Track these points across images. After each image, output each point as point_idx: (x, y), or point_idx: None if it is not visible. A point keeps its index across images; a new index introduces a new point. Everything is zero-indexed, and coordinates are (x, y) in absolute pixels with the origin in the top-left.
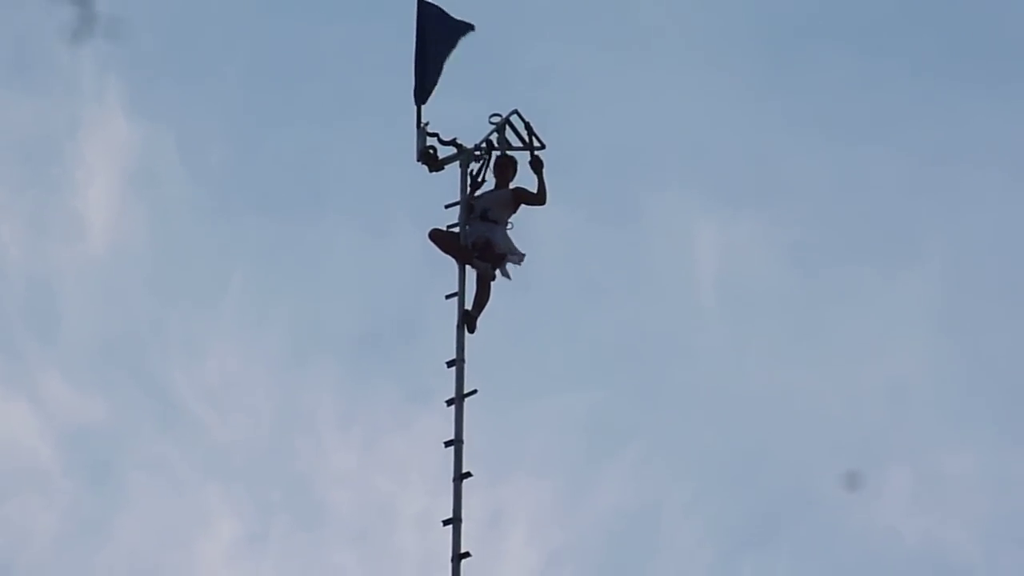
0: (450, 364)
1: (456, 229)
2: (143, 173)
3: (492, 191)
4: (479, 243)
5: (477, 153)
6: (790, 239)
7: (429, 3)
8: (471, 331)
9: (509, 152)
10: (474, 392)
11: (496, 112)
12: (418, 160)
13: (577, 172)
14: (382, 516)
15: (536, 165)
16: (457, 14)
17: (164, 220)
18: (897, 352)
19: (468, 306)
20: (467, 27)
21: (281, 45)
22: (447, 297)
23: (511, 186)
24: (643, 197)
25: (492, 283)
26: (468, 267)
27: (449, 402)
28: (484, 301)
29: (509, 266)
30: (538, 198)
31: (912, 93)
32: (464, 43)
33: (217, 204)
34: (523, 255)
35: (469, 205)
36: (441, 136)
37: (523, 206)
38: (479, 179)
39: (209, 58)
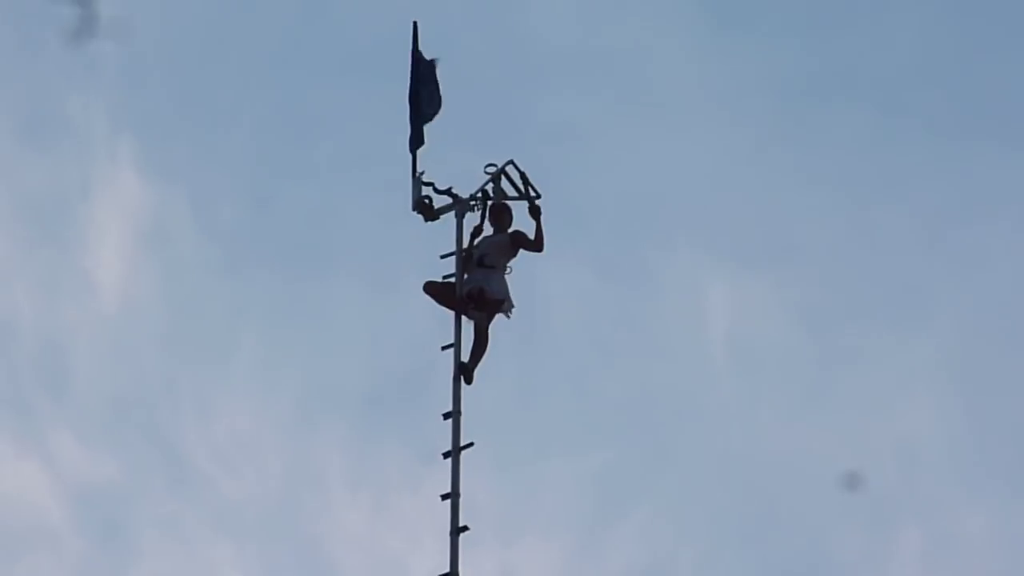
0: (447, 416)
1: (452, 279)
2: (154, 232)
3: (490, 236)
4: (473, 292)
5: (472, 203)
6: (801, 299)
7: (420, 53)
8: (468, 382)
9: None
10: (471, 445)
11: (492, 162)
12: (413, 210)
13: (588, 229)
14: (391, 574)
15: (534, 212)
16: (469, 69)
17: (175, 279)
18: (908, 412)
19: (465, 358)
20: (432, 62)
21: (291, 103)
22: (443, 348)
23: (509, 231)
24: (654, 256)
25: (490, 333)
26: (464, 318)
27: (446, 455)
28: (481, 352)
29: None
30: (536, 244)
31: (924, 152)
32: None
33: (228, 262)
34: (513, 305)
35: (468, 252)
36: (437, 185)
37: (522, 252)
38: (480, 228)
39: (220, 116)
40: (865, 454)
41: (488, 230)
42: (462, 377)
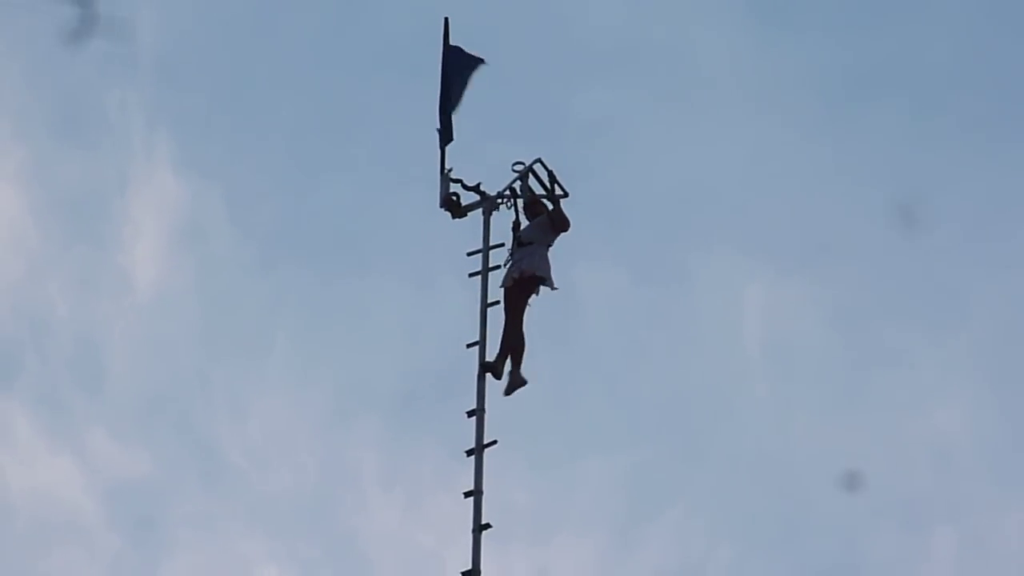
0: (471, 414)
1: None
2: (191, 229)
3: (531, 222)
4: (525, 276)
5: (500, 200)
6: (836, 299)
7: (453, 46)
8: (497, 377)
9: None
10: (494, 443)
11: (520, 160)
12: (441, 206)
13: (623, 228)
14: (424, 572)
15: (554, 202)
16: (509, 63)
17: (211, 275)
18: (944, 413)
19: (491, 356)
20: (479, 61)
21: (327, 100)
22: (468, 346)
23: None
24: (689, 256)
25: (524, 327)
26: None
27: (469, 452)
28: (519, 346)
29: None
30: (563, 220)
31: (963, 151)
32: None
33: (264, 259)
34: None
35: (517, 240)
36: (465, 182)
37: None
38: (517, 223)
39: (256, 113)
40: (900, 454)
41: (524, 223)
42: (491, 373)
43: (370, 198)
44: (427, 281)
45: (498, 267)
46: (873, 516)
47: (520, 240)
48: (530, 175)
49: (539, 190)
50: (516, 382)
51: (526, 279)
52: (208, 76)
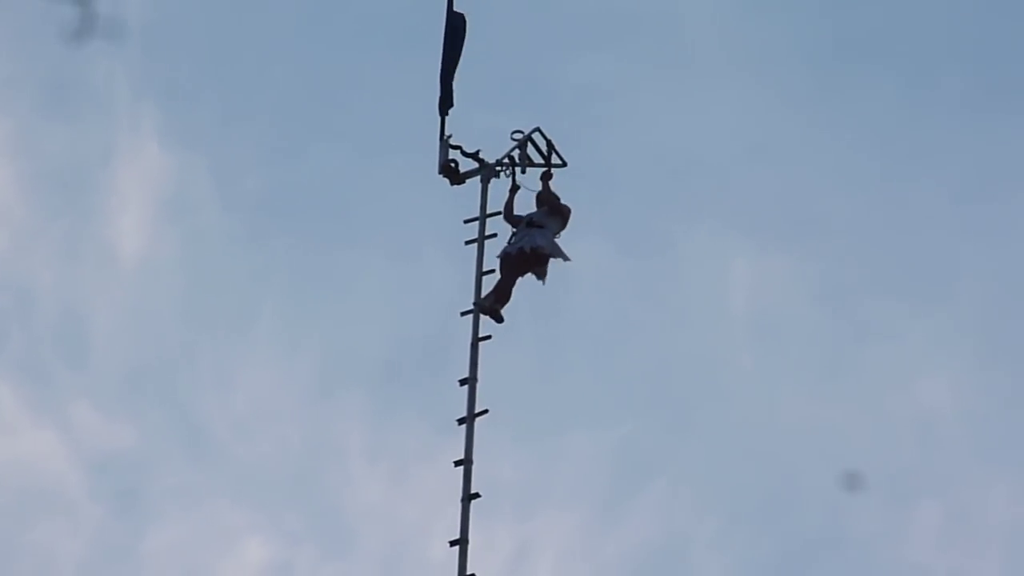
0: (463, 382)
1: (474, 244)
2: (176, 201)
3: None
4: (536, 251)
5: (499, 168)
6: (822, 273)
7: (457, 13)
8: (499, 320)
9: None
10: (485, 412)
11: (519, 129)
12: (439, 173)
13: (610, 200)
14: (408, 545)
15: (545, 177)
16: (499, 30)
17: (196, 247)
18: (928, 387)
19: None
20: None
21: (313, 70)
22: (462, 314)
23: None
24: (677, 229)
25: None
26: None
27: (461, 421)
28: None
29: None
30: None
31: (952, 124)
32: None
33: (249, 231)
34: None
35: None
36: (464, 148)
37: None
38: (516, 187)
39: (242, 85)
40: (884, 429)
41: (522, 189)
42: (492, 316)
43: (356, 169)
44: (414, 252)
45: (495, 235)
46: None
47: (531, 221)
48: (528, 144)
49: (537, 159)
50: (495, 312)
51: (536, 255)
52: (194, 48)
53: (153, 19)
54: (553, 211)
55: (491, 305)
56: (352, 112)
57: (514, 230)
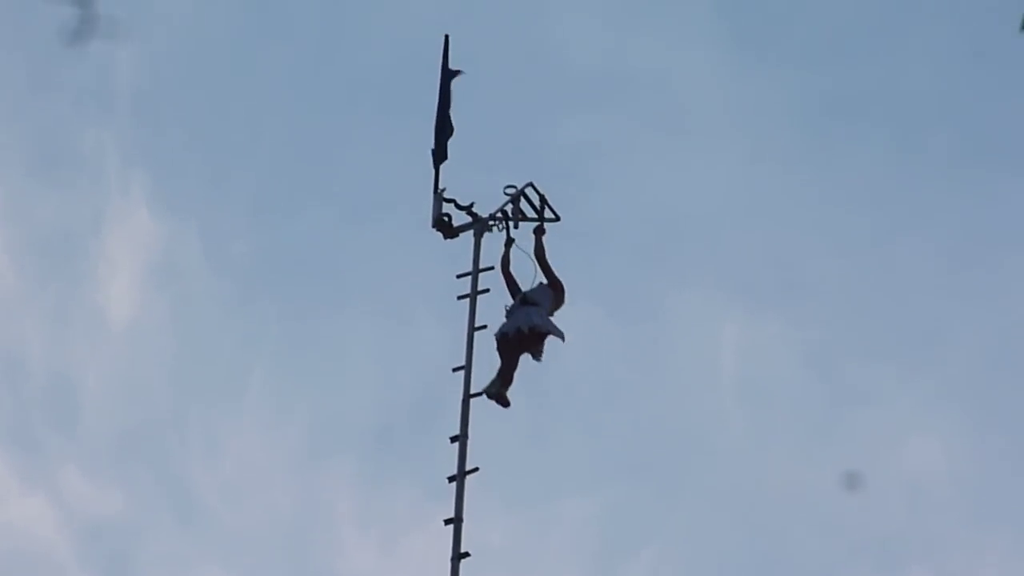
0: (454, 439)
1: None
2: (165, 266)
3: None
4: (533, 330)
5: (492, 223)
6: (811, 338)
7: (452, 69)
8: (505, 405)
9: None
10: (476, 470)
11: (511, 184)
12: (433, 226)
13: (600, 263)
14: None
15: (538, 231)
16: (494, 87)
17: (185, 313)
18: (918, 451)
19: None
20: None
21: (300, 135)
22: (454, 370)
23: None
24: (665, 292)
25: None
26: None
27: (451, 479)
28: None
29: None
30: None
31: (939, 187)
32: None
33: (239, 297)
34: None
35: (507, 265)
36: (459, 201)
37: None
38: (510, 240)
39: (231, 150)
40: (874, 492)
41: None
42: (498, 401)
43: (344, 232)
44: (406, 313)
45: (487, 291)
46: (848, 554)
47: (526, 299)
48: (521, 198)
49: (530, 213)
50: (501, 397)
51: (534, 335)
52: (182, 114)
53: (142, 86)
54: (551, 287)
55: (498, 390)
56: (341, 173)
57: (507, 305)
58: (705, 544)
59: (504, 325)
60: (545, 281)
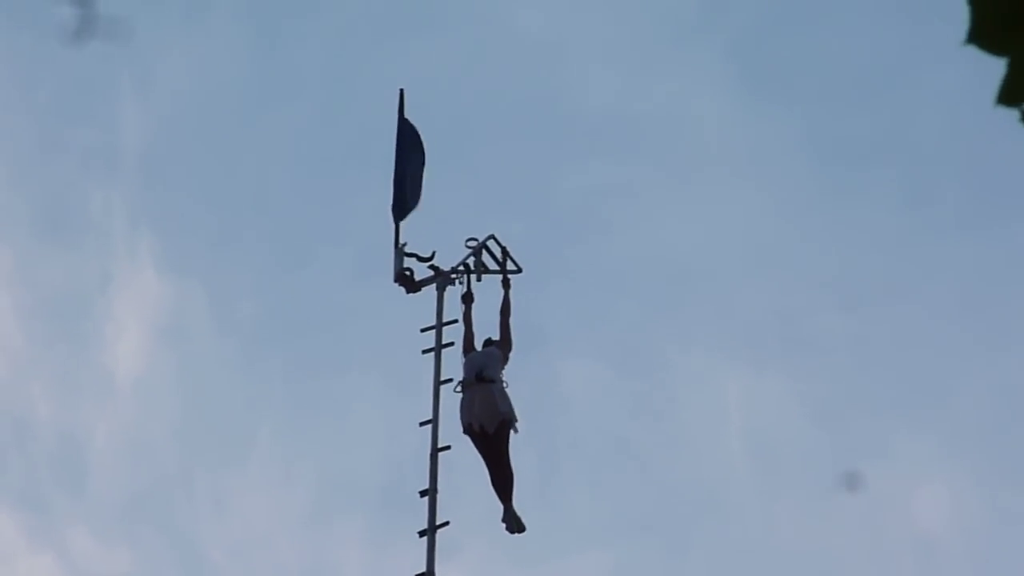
0: (423, 494)
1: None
2: (172, 327)
3: (484, 349)
4: (504, 421)
5: (454, 276)
6: (817, 394)
7: (407, 121)
8: (522, 530)
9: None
10: (446, 524)
11: (473, 236)
12: (395, 281)
13: (606, 320)
14: None
15: (505, 284)
16: (501, 130)
17: (192, 374)
18: (927, 505)
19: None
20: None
21: (308, 196)
22: (421, 424)
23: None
24: (671, 348)
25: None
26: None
27: (422, 533)
28: (511, 481)
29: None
30: (504, 344)
31: (946, 238)
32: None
33: (246, 358)
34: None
35: (468, 330)
36: (420, 254)
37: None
38: (469, 295)
39: (237, 211)
40: (883, 547)
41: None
42: (514, 528)
43: (350, 291)
44: (408, 376)
45: (451, 344)
46: None
47: (481, 376)
48: (483, 251)
49: (492, 266)
50: (515, 524)
51: (505, 424)
52: (189, 174)
53: (148, 147)
54: (500, 344)
55: (516, 524)
56: (348, 232)
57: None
58: None
59: (471, 419)
60: (496, 338)
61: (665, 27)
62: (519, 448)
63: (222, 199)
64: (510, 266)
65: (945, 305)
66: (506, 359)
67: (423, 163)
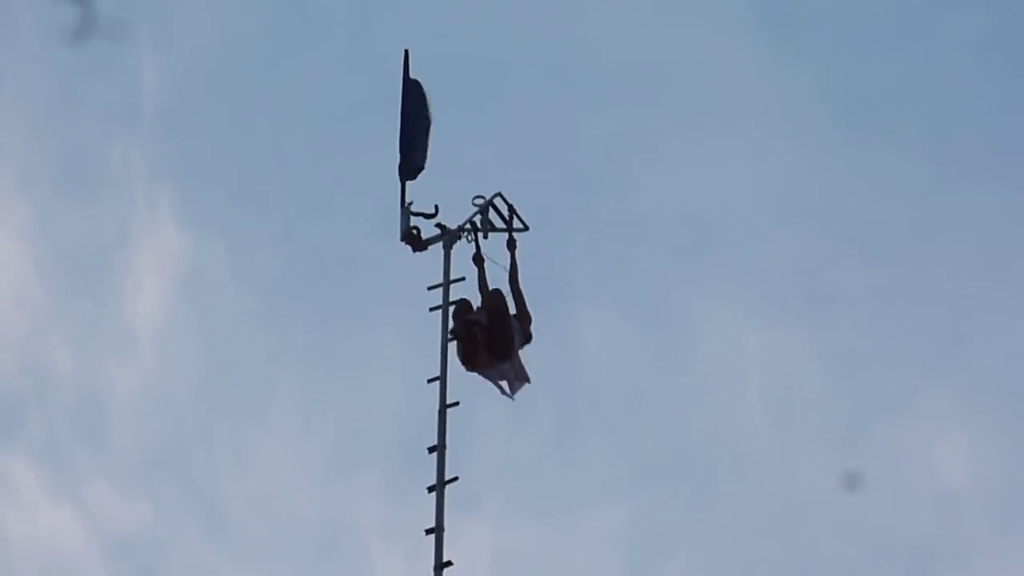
0: (431, 450)
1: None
2: (192, 281)
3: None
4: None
5: (460, 234)
6: (837, 347)
7: (413, 80)
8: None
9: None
10: (455, 479)
11: (480, 194)
12: (401, 240)
13: (625, 273)
14: None
15: (511, 245)
16: (521, 81)
17: (213, 328)
18: (946, 458)
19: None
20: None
21: (330, 148)
22: (429, 381)
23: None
24: (690, 303)
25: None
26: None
27: (431, 489)
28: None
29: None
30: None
31: (967, 188)
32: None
33: (265, 312)
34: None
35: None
36: (426, 212)
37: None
38: (479, 256)
39: (258, 164)
40: (902, 501)
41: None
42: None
43: (371, 243)
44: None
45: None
46: (876, 564)
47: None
48: (490, 209)
49: (499, 224)
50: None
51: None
52: (209, 127)
53: (168, 101)
54: (518, 318)
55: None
56: (368, 184)
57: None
58: (731, 553)
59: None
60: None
61: None
62: (534, 401)
63: (242, 152)
64: (516, 224)
65: (968, 257)
66: (526, 335)
67: (428, 125)
